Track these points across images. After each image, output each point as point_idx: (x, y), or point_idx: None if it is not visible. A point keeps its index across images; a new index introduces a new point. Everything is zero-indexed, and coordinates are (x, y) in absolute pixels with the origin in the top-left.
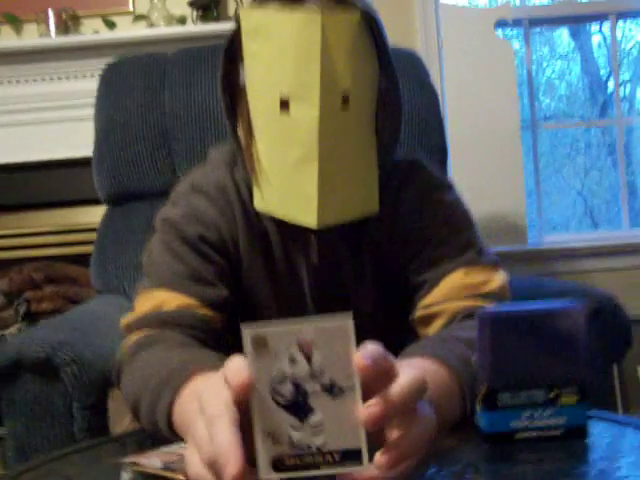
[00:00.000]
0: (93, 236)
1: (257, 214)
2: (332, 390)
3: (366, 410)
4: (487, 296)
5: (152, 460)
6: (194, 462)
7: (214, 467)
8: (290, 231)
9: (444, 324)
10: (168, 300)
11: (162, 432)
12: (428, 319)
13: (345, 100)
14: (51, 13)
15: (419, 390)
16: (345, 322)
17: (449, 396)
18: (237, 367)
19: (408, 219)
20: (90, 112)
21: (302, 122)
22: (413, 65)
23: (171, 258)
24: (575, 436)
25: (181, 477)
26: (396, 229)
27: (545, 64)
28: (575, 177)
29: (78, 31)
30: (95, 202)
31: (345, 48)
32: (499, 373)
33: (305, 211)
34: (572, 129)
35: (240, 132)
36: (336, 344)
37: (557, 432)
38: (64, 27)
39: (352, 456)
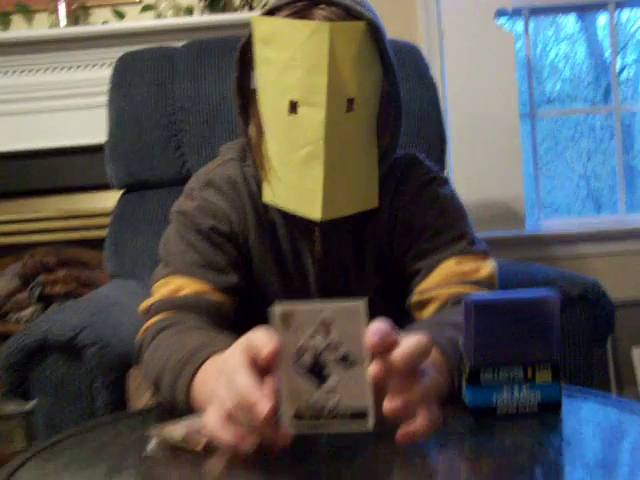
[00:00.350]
0: (103, 221)
1: (265, 207)
2: (346, 361)
3: (370, 368)
4: (477, 283)
5: (174, 432)
6: (213, 417)
7: (234, 420)
8: (296, 224)
9: (437, 308)
10: (184, 286)
11: (181, 407)
12: (423, 304)
13: (350, 104)
14: (61, 3)
15: (420, 351)
16: (358, 305)
17: (439, 374)
18: (267, 337)
19: (406, 212)
20: (99, 100)
21: (310, 124)
22: (413, 57)
23: (186, 247)
24: (550, 410)
25: (199, 447)
26: (395, 221)
27: (550, 46)
28: (579, 160)
29: (87, 21)
30: (104, 188)
31: (351, 55)
32: (482, 353)
33: (310, 205)
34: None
35: (251, 131)
36: (350, 323)
37: (533, 406)
38: (74, 17)
39: (360, 417)
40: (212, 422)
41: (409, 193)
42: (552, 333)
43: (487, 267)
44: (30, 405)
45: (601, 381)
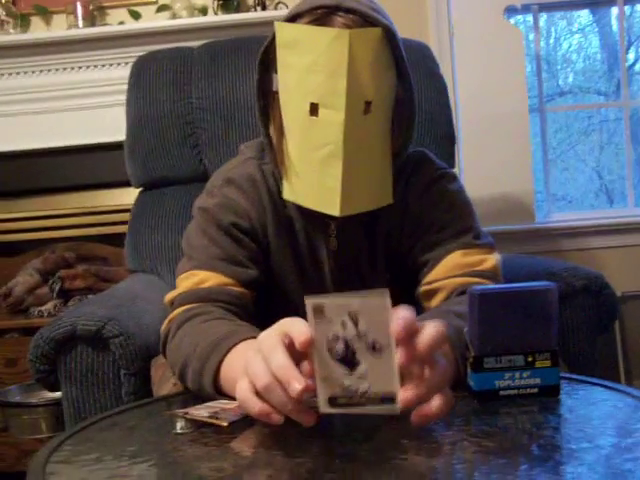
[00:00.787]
0: (122, 217)
1: (284, 204)
2: (374, 348)
3: (396, 355)
4: (481, 274)
5: (200, 411)
6: (245, 389)
7: (266, 394)
8: (312, 220)
9: (444, 298)
10: (207, 278)
11: (207, 393)
12: (430, 294)
13: (367, 106)
14: (79, 4)
15: (440, 339)
16: (383, 296)
17: (448, 362)
18: (302, 324)
19: (415, 206)
20: (116, 99)
21: (329, 125)
22: (423, 56)
23: (208, 242)
24: (549, 394)
25: (224, 424)
26: (405, 216)
27: (563, 38)
28: (591, 153)
29: (104, 21)
30: (124, 185)
31: (368, 60)
32: (485, 341)
33: (329, 202)
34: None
35: (271, 131)
36: (376, 313)
37: (533, 390)
38: (91, 18)
39: (388, 400)
40: (245, 393)
41: (418, 189)
42: (551, 322)
43: (491, 259)
44: (54, 396)
45: (609, 372)
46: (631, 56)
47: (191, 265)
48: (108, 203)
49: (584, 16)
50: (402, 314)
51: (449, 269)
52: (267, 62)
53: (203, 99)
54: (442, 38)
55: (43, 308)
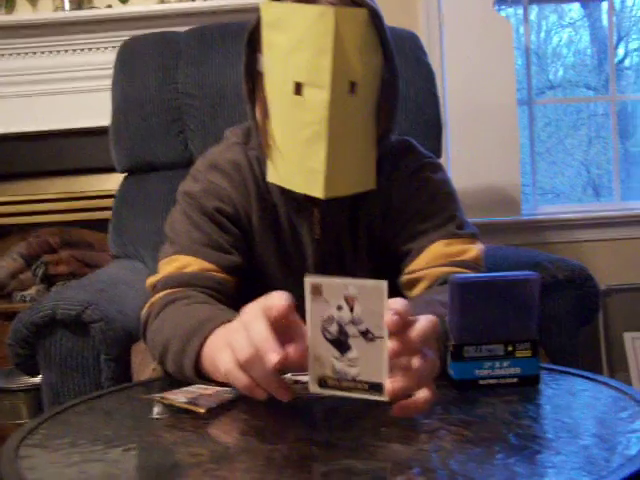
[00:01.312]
0: (105, 202)
1: (268, 189)
2: (367, 336)
3: (389, 345)
4: (463, 264)
5: (177, 396)
6: (228, 361)
7: (247, 367)
8: (296, 205)
9: (426, 287)
10: (189, 263)
11: (187, 375)
12: (412, 283)
13: (352, 86)
14: None
15: (432, 331)
16: (381, 285)
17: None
18: (283, 295)
19: (398, 195)
20: (102, 83)
21: (314, 104)
22: (411, 44)
23: (191, 227)
24: (528, 384)
25: (202, 410)
26: (388, 205)
27: (554, 32)
28: (580, 146)
29: (91, 4)
30: (107, 170)
31: (354, 41)
32: (466, 330)
33: (313, 183)
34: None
35: (257, 113)
36: (373, 301)
37: (513, 380)
38: (78, 1)
39: (376, 388)
40: (229, 366)
41: (402, 178)
42: (532, 312)
43: (474, 249)
44: (35, 381)
45: (592, 365)
46: (621, 51)
47: (173, 250)
48: (93, 188)
49: (575, 10)
50: (397, 305)
51: (431, 259)
52: (253, 44)
53: (190, 84)
54: (432, 28)
55: (26, 293)
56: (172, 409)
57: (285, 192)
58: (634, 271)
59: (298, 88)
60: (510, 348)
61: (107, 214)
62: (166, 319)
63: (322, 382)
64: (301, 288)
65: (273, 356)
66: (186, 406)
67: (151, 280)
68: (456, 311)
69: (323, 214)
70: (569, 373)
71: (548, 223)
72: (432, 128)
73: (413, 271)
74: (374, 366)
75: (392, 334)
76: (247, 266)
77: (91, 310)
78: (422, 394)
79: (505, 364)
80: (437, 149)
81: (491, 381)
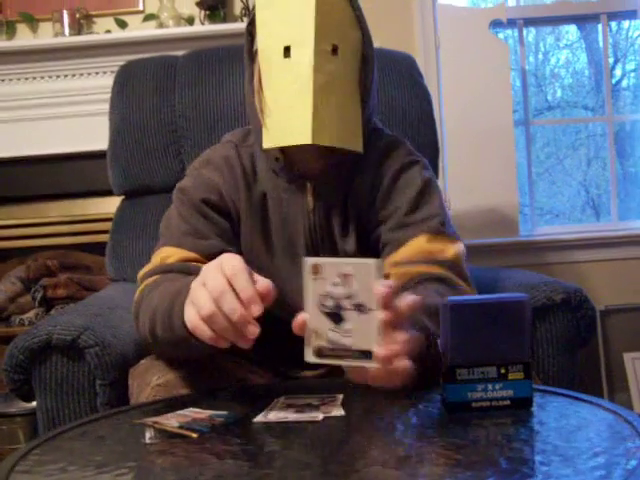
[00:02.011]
0: (104, 226)
1: (256, 179)
2: (360, 308)
3: (380, 315)
4: (441, 263)
5: (170, 421)
6: (192, 318)
7: (210, 322)
8: (289, 178)
9: (402, 283)
10: (171, 254)
11: (178, 334)
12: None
13: (334, 49)
14: (65, 13)
15: (416, 306)
16: (373, 263)
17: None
18: (232, 256)
19: (387, 185)
20: (102, 107)
21: (300, 62)
22: (407, 67)
23: (179, 220)
24: (521, 406)
25: (194, 435)
26: (377, 191)
27: (552, 53)
28: (579, 167)
29: (91, 29)
30: (106, 193)
31: (334, 15)
32: (458, 352)
33: (302, 132)
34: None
35: (254, 91)
36: (366, 277)
37: (506, 402)
38: (77, 26)
39: (367, 355)
40: (193, 323)
41: (391, 170)
42: (524, 333)
43: (453, 248)
44: (32, 405)
45: (592, 386)
46: (618, 72)
47: (161, 243)
48: (92, 211)
49: (572, 32)
50: (387, 282)
51: (412, 253)
52: (253, 33)
53: (187, 107)
54: (428, 50)
55: (25, 317)
56: (165, 434)
57: (278, 172)
58: (633, 291)
59: (287, 51)
60: (503, 370)
61: (106, 237)
62: (150, 299)
63: (319, 352)
64: (285, 272)
65: (256, 309)
66: (179, 431)
67: (140, 273)
68: (448, 333)
69: (316, 187)
70: (562, 395)
71: (546, 244)
72: (429, 150)
73: (394, 263)
74: (366, 336)
75: (383, 306)
76: (235, 253)
77: (86, 335)
78: (401, 363)
79: (498, 386)
80: (435, 171)
81: (484, 404)
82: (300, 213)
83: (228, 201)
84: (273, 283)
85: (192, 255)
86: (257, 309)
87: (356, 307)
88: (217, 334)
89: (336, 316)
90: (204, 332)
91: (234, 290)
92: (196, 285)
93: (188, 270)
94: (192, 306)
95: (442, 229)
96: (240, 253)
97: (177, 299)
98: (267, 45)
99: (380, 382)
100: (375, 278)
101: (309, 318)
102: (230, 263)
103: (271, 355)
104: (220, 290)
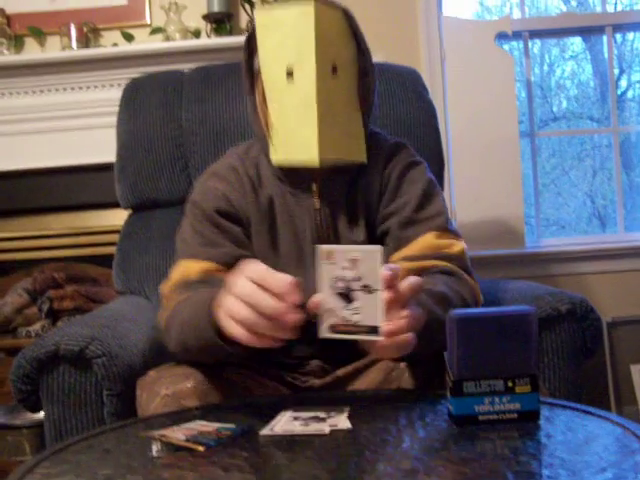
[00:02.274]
0: (111, 238)
1: (261, 184)
2: (366, 289)
3: (384, 294)
4: (449, 257)
5: (177, 434)
6: (238, 332)
7: (256, 328)
8: (295, 181)
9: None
10: (190, 266)
11: (210, 340)
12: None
13: (334, 69)
14: (73, 26)
15: (418, 286)
16: (377, 249)
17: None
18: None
19: (395, 181)
20: (108, 120)
21: (303, 84)
22: (412, 81)
23: (192, 232)
24: (528, 419)
25: (201, 448)
26: (385, 186)
27: (557, 65)
28: (584, 178)
29: (98, 43)
30: (111, 206)
31: (332, 32)
32: (465, 366)
33: (308, 151)
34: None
35: (257, 103)
36: (372, 262)
37: (513, 415)
38: (85, 40)
39: (374, 330)
40: (235, 332)
41: (398, 168)
42: (530, 346)
43: (459, 245)
44: (38, 417)
45: (600, 398)
46: (623, 83)
47: (178, 256)
48: (98, 224)
49: (577, 43)
50: (390, 266)
51: (422, 248)
52: (251, 48)
53: (193, 122)
54: (433, 62)
55: (31, 328)
56: (171, 447)
57: (283, 177)
58: None
59: (290, 74)
60: (510, 383)
61: (112, 249)
62: (179, 315)
63: (332, 328)
64: (292, 272)
65: (292, 316)
66: (185, 444)
67: (162, 288)
68: (455, 346)
69: (321, 188)
70: (570, 408)
71: (552, 255)
72: (434, 163)
73: (405, 257)
74: (372, 313)
75: (387, 287)
76: (250, 257)
77: (94, 346)
78: (404, 336)
79: (505, 399)
80: (440, 184)
81: (491, 417)
82: (306, 213)
83: (237, 207)
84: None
85: (211, 265)
86: (295, 297)
87: (363, 288)
88: (261, 336)
89: (346, 296)
90: (249, 338)
91: (264, 288)
92: (225, 296)
93: (210, 283)
94: (228, 318)
95: (447, 226)
96: (254, 256)
97: (203, 307)
98: (269, 65)
99: (385, 353)
100: (380, 263)
101: (323, 298)
102: (251, 267)
103: (277, 362)
104: (248, 292)
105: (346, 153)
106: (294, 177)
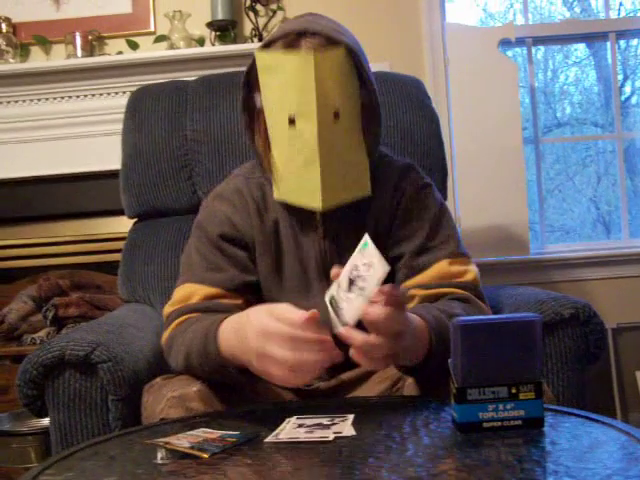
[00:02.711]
0: (115, 245)
1: (267, 208)
2: (362, 290)
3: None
4: (464, 286)
5: (181, 441)
6: (279, 374)
7: (297, 368)
8: (299, 212)
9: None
10: (195, 291)
11: (214, 363)
12: (412, 298)
13: (336, 115)
14: (78, 35)
15: (406, 329)
16: (383, 266)
17: (421, 338)
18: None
19: (406, 206)
20: (113, 128)
21: (305, 133)
22: (415, 89)
23: (198, 256)
24: (532, 426)
25: (205, 455)
26: (396, 211)
27: (561, 71)
28: (589, 183)
29: (103, 51)
30: (116, 213)
31: (333, 75)
32: (469, 372)
33: (312, 198)
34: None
35: (258, 142)
36: (376, 272)
37: (517, 422)
38: (90, 48)
39: (342, 324)
40: (280, 377)
41: (408, 193)
42: (535, 353)
43: (472, 272)
44: (44, 424)
45: (605, 405)
46: (627, 89)
47: (183, 279)
48: (103, 231)
49: (581, 49)
50: (393, 285)
51: (436, 277)
52: (250, 83)
53: (198, 132)
54: (437, 69)
55: (36, 335)
56: (176, 454)
57: (288, 205)
58: None
59: (292, 121)
60: (514, 390)
61: (117, 257)
62: (183, 336)
63: (330, 298)
64: (296, 295)
65: (336, 352)
66: (190, 451)
67: (166, 310)
68: (459, 353)
69: (325, 218)
70: (574, 415)
71: (557, 262)
72: (438, 171)
73: (419, 286)
74: (351, 310)
75: (379, 296)
76: (255, 280)
77: (99, 351)
78: (354, 350)
79: (509, 406)
80: (443, 192)
81: (495, 424)
82: (311, 241)
83: (242, 231)
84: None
85: (215, 291)
86: (337, 355)
87: (360, 288)
88: (301, 374)
89: (351, 283)
90: (290, 377)
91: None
92: (258, 338)
93: (213, 309)
94: (265, 360)
95: (459, 251)
96: (259, 281)
97: (209, 331)
98: (272, 110)
99: (360, 359)
100: (378, 278)
101: (342, 274)
102: (283, 309)
103: None
104: (288, 334)
105: (350, 193)
106: (298, 209)
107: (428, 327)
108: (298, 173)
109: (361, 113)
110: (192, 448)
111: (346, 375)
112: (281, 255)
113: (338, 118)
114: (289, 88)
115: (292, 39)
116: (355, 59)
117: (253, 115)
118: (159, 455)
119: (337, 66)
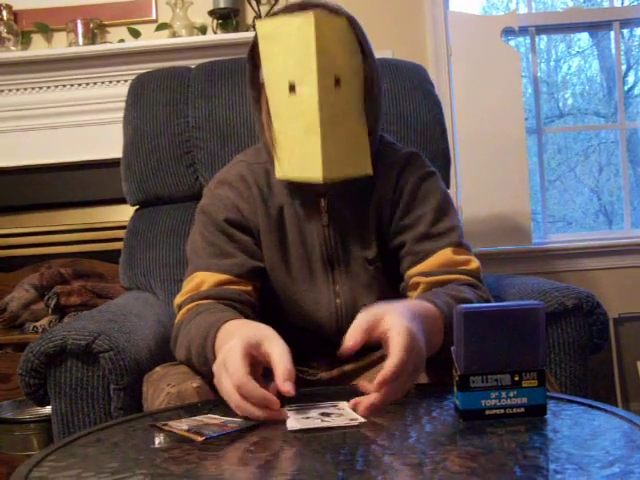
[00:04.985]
0: (117, 233)
1: (271, 193)
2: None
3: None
4: (469, 273)
5: (180, 424)
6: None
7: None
8: (303, 197)
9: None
10: (205, 279)
11: (210, 369)
12: (415, 286)
13: (337, 81)
14: (79, 22)
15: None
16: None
17: (435, 328)
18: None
19: (410, 193)
20: (115, 116)
21: (306, 99)
22: (418, 77)
23: (205, 243)
24: (535, 413)
25: (200, 438)
26: (399, 197)
27: (564, 60)
28: (590, 173)
29: (104, 39)
30: (118, 201)
31: (334, 42)
32: (472, 360)
33: (313, 170)
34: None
35: (263, 117)
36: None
37: (520, 410)
38: (91, 36)
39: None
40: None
41: (412, 180)
42: (538, 341)
43: (475, 262)
44: (46, 412)
45: (606, 394)
46: (630, 79)
47: (192, 268)
48: (105, 219)
49: (584, 39)
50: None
51: (440, 264)
52: (255, 58)
53: (199, 118)
54: (440, 59)
55: (38, 324)
56: (174, 437)
57: (292, 190)
58: None
59: (292, 87)
60: (517, 378)
61: (119, 245)
62: (187, 330)
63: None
64: (302, 282)
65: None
66: (184, 434)
67: (177, 300)
68: (462, 341)
69: (329, 204)
70: (577, 402)
71: (559, 252)
72: (441, 159)
73: (423, 273)
74: (350, 414)
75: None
76: (262, 267)
77: (101, 340)
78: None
79: (512, 394)
80: (445, 180)
81: (498, 411)
82: (315, 228)
83: (248, 217)
84: (289, 293)
85: (224, 277)
86: (275, 404)
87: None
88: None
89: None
90: (254, 416)
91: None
92: (220, 370)
93: (223, 295)
94: (223, 392)
95: (462, 241)
96: (265, 267)
97: (209, 334)
98: (272, 80)
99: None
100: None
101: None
102: (233, 368)
103: None
104: (235, 399)
105: (351, 168)
106: (302, 192)
107: (442, 316)
108: (298, 143)
109: (363, 88)
110: (188, 431)
111: (349, 366)
112: (286, 243)
113: (339, 85)
114: (289, 54)
115: (294, 10)
116: (357, 31)
117: (259, 91)
118: (157, 440)
119: (338, 32)
